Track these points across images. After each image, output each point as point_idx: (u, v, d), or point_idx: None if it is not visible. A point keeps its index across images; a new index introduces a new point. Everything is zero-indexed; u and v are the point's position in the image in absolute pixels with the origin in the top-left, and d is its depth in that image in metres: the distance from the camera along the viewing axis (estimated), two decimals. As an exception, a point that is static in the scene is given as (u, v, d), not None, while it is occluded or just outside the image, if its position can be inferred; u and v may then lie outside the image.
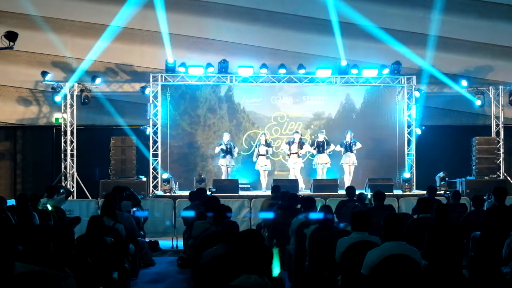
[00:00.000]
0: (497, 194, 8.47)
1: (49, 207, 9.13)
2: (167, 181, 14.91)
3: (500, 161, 16.77)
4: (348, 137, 15.54)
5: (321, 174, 15.55)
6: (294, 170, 15.63)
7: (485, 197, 9.73)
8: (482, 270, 4.47)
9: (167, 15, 16.29)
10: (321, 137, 15.63)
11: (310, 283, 3.44)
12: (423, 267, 5.18)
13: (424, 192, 11.94)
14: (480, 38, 17.46)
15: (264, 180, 15.57)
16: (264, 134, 15.89)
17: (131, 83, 16.94)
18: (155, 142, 16.14)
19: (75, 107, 16.38)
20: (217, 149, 15.57)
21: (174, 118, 16.54)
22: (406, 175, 15.82)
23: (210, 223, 7.30)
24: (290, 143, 15.60)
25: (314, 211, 7.87)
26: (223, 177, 15.48)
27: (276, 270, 3.89)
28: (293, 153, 15.50)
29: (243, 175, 16.19)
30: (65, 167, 16.21)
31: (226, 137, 15.58)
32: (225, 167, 15.56)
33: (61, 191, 11.22)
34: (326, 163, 15.58)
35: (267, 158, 15.58)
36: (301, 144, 15.53)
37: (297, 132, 15.83)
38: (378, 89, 16.88)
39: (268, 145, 15.62)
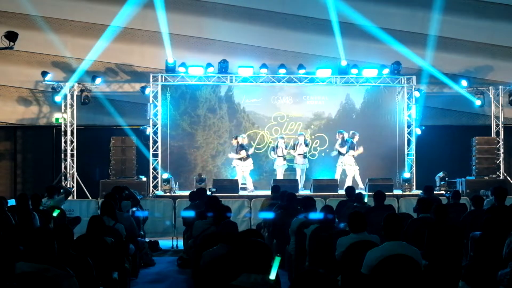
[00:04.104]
0: (497, 194, 8.44)
1: (55, 214, 9.09)
2: (167, 181, 14.91)
3: (500, 161, 16.77)
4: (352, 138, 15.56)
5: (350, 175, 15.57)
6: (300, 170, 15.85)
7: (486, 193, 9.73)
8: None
9: (167, 15, 16.29)
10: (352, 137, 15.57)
11: (308, 282, 3.44)
12: (423, 267, 5.18)
13: (424, 192, 11.90)
14: (480, 38, 17.46)
15: (249, 181, 15.51)
16: (243, 137, 15.74)
17: (131, 83, 16.94)
18: (155, 142, 16.14)
19: (75, 107, 16.38)
20: (234, 155, 15.52)
21: (174, 118, 16.54)
22: (406, 175, 15.81)
23: (210, 223, 7.30)
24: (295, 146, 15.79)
25: (314, 211, 7.88)
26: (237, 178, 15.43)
27: (272, 275, 3.88)
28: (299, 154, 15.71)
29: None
30: (65, 167, 16.22)
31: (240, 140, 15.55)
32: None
33: (61, 191, 11.22)
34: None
35: (248, 157, 15.45)
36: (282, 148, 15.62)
37: (282, 137, 15.81)
38: (378, 89, 16.88)
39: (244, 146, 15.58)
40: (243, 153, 15.23)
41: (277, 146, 15.67)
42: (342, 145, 15.60)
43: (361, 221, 5.93)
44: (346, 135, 15.65)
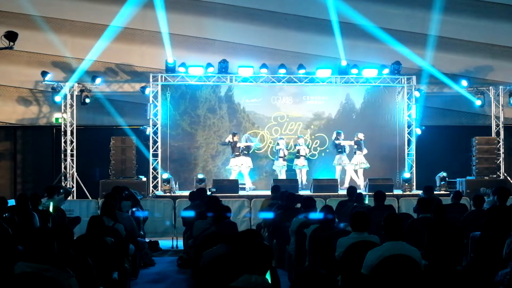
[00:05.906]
0: (500, 194, 8.42)
1: (51, 209, 9.10)
2: (167, 181, 14.90)
3: (500, 161, 16.77)
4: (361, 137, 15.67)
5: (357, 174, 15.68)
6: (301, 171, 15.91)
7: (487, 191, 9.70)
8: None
9: (167, 15, 16.28)
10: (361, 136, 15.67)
11: (308, 282, 3.44)
12: (423, 267, 5.18)
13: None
14: (480, 38, 17.47)
15: (247, 180, 15.55)
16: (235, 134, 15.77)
17: (131, 83, 16.94)
18: (155, 142, 16.14)
19: (75, 107, 16.38)
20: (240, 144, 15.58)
21: (174, 118, 16.54)
22: (406, 175, 15.81)
23: (210, 223, 7.30)
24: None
25: (314, 211, 7.87)
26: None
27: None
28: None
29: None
30: (65, 167, 16.21)
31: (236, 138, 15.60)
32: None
33: (61, 191, 11.21)
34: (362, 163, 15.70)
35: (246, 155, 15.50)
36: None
37: (282, 138, 15.87)
38: (378, 89, 16.88)
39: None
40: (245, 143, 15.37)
41: (278, 149, 15.70)
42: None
43: (364, 220, 5.93)
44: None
